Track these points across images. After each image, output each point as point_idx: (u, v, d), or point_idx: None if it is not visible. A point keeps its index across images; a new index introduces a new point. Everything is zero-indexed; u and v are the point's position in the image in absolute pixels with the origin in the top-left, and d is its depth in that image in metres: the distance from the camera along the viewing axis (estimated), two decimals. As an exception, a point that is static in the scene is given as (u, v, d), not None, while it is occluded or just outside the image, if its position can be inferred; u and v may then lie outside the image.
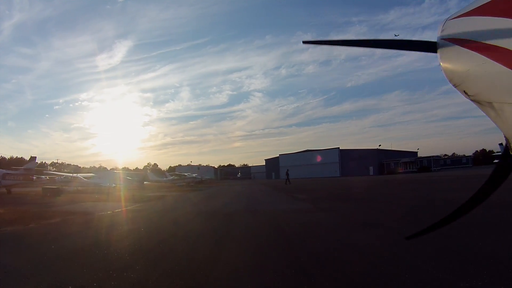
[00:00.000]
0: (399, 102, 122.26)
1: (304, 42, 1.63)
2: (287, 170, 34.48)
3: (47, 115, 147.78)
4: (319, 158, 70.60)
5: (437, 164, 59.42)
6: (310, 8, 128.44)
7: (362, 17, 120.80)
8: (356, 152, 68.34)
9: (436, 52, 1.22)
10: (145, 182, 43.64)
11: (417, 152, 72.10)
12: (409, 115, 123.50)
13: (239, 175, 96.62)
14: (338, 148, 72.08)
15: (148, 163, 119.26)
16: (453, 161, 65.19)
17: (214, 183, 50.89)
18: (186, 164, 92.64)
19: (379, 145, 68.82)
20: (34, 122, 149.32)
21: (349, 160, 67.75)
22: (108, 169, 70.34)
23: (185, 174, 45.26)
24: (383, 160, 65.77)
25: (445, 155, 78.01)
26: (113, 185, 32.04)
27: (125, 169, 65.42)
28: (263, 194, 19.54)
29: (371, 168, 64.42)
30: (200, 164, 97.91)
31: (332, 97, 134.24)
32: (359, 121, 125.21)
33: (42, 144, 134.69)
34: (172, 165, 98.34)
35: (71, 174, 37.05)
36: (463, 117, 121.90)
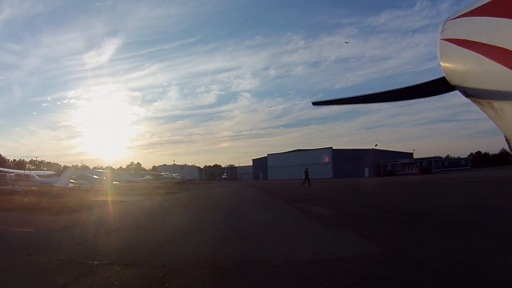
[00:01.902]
0: (387, 105, 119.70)
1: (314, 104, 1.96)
2: (306, 168, 28.94)
3: (34, 113, 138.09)
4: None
5: (436, 165, 56.32)
6: (300, 9, 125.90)
7: (352, 19, 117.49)
8: (350, 152, 64.38)
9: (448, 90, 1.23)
10: (115, 182, 38.48)
11: (412, 153, 69.12)
12: (397, 118, 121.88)
13: (224, 175, 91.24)
14: (331, 147, 67.58)
15: (131, 162, 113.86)
16: (451, 163, 62.52)
17: (196, 184, 45.74)
18: (171, 164, 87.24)
19: (376, 145, 65.15)
20: (21, 120, 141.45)
21: (343, 160, 63.59)
22: (91, 168, 65.93)
23: (162, 173, 40.02)
24: (380, 161, 62.05)
25: (440, 157, 75.48)
26: (70, 185, 27.15)
27: (109, 168, 61.60)
28: (254, 205, 11.90)
29: (366, 169, 60.38)
30: (185, 164, 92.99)
31: (321, 98, 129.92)
32: (347, 123, 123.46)
33: (29, 142, 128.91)
34: (156, 165, 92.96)
35: (23, 172, 31.67)
36: (451, 120, 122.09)
